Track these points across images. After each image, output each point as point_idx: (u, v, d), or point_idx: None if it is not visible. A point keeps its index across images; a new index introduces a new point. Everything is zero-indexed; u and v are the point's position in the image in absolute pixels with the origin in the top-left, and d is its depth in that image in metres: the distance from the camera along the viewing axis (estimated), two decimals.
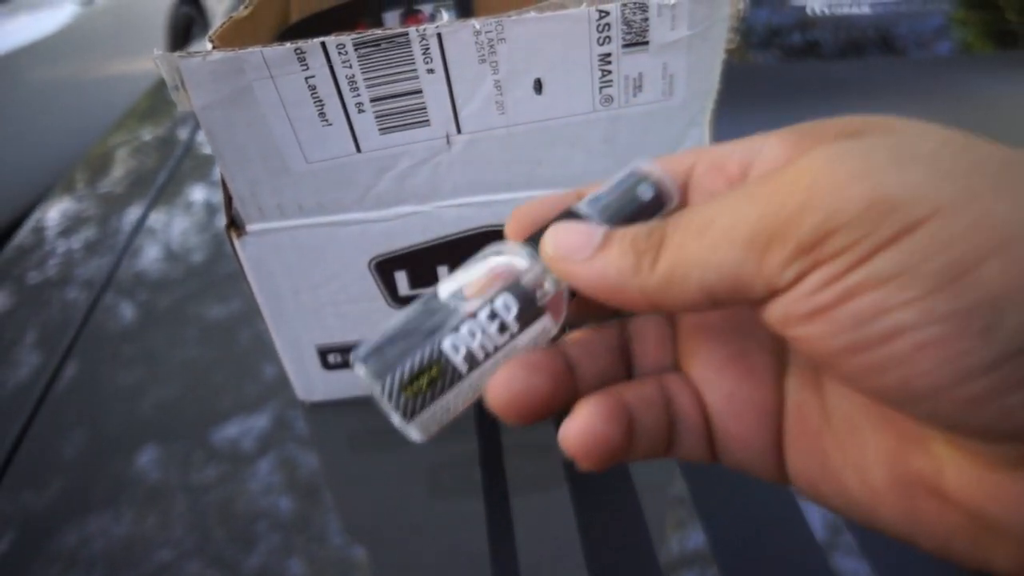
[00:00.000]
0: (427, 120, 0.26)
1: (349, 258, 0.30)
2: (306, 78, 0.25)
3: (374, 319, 0.32)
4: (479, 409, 0.34)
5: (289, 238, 0.29)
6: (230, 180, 0.27)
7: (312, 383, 0.35)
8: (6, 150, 1.36)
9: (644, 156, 0.20)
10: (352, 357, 0.18)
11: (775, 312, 0.15)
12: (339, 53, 0.24)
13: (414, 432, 0.18)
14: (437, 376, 0.17)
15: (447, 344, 0.17)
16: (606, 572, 0.28)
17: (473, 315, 0.18)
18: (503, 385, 0.18)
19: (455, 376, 0.17)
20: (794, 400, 0.19)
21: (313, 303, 0.31)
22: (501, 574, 0.28)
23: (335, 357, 0.34)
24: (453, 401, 0.18)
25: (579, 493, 0.31)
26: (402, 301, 0.32)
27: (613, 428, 0.18)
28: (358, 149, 0.27)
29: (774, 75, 0.65)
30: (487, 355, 0.18)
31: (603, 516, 0.30)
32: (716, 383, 0.19)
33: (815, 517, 0.29)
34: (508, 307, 0.18)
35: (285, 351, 0.33)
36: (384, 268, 0.31)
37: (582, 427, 0.18)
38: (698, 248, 0.15)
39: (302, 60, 0.24)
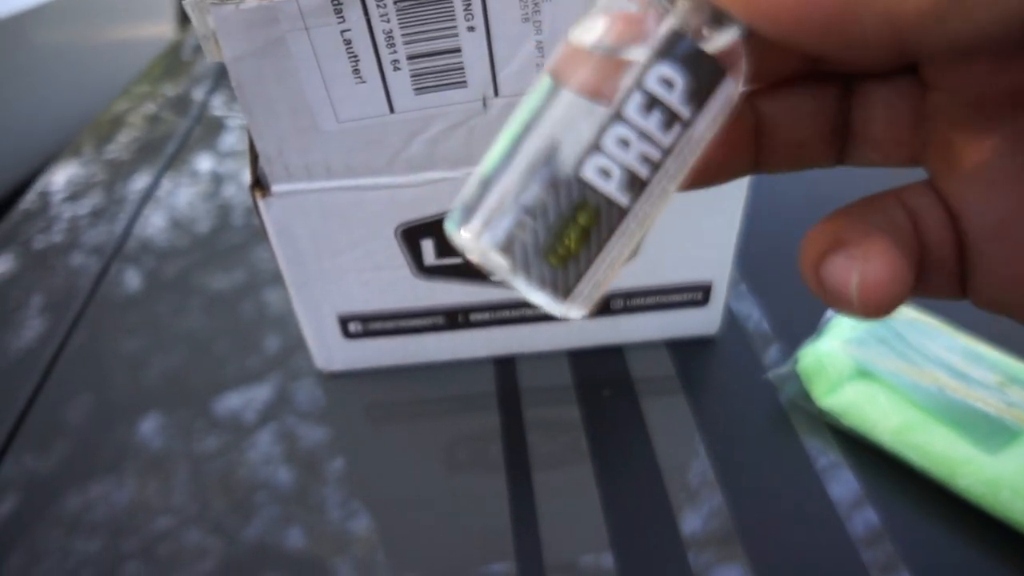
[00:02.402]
0: (464, 81, 0.25)
1: (375, 224, 0.29)
2: (342, 31, 0.24)
3: (398, 288, 0.31)
4: (501, 383, 0.34)
5: (315, 201, 0.28)
6: (257, 137, 0.26)
7: (332, 352, 0.34)
8: (12, 114, 1.34)
9: None
10: (448, 226, 0.12)
11: None
12: (378, 6, 0.23)
13: (576, 312, 0.12)
14: (590, 224, 0.11)
15: (589, 170, 0.11)
16: (630, 550, 0.28)
17: (617, 113, 0.11)
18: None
19: (616, 216, 0.12)
20: None
21: (336, 269, 0.30)
22: (524, 551, 0.28)
23: (356, 326, 0.33)
24: (618, 250, 0.12)
25: (602, 470, 0.30)
26: (427, 271, 0.31)
27: (910, 270, 0.13)
28: (391, 109, 0.26)
29: None
30: (655, 168, 0.11)
31: (626, 494, 0.29)
32: (984, 204, 0.13)
33: (839, 495, 0.29)
34: (670, 81, 0.11)
35: (305, 318, 0.32)
36: (411, 236, 0.30)
37: (888, 275, 0.13)
38: None
39: (339, 12, 0.23)
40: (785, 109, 0.15)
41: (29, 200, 0.52)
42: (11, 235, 0.48)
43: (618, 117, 0.11)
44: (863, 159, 0.15)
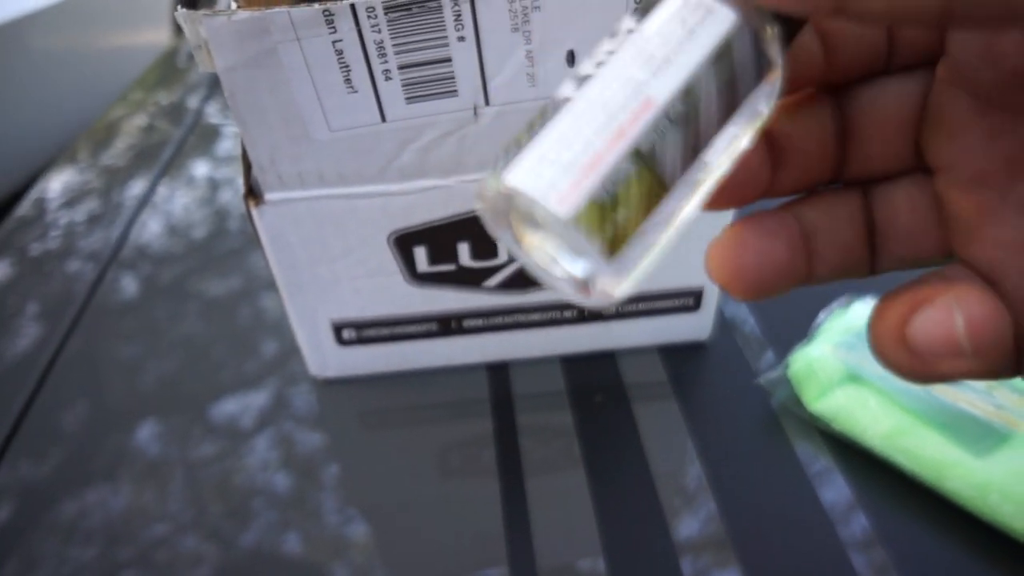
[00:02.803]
0: (455, 90, 0.26)
1: (368, 231, 0.29)
2: (333, 42, 0.24)
3: (391, 295, 0.32)
4: (494, 389, 0.34)
5: (308, 209, 0.28)
6: (250, 146, 0.26)
7: (325, 359, 0.34)
8: (9, 120, 1.34)
9: None
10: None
11: None
12: (368, 17, 0.23)
13: (520, 181, 0.11)
14: (536, 120, 0.12)
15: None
16: (622, 555, 0.28)
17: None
18: (731, 252, 0.14)
19: (561, 104, 0.12)
20: None
21: (329, 276, 0.31)
22: (517, 556, 0.28)
23: (350, 333, 0.33)
24: (571, 125, 0.12)
25: (595, 476, 0.30)
26: (420, 278, 0.31)
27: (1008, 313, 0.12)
28: (383, 118, 0.26)
29: None
30: (600, 64, 0.12)
31: (619, 499, 0.30)
32: (1015, 269, 0.13)
33: (831, 500, 0.29)
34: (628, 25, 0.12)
35: (299, 325, 0.32)
36: (403, 243, 0.30)
37: (992, 312, 0.12)
38: None
39: (330, 23, 0.23)
40: (824, 213, 0.15)
41: (25, 207, 0.52)
42: (7, 242, 0.48)
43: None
44: (895, 259, 0.15)
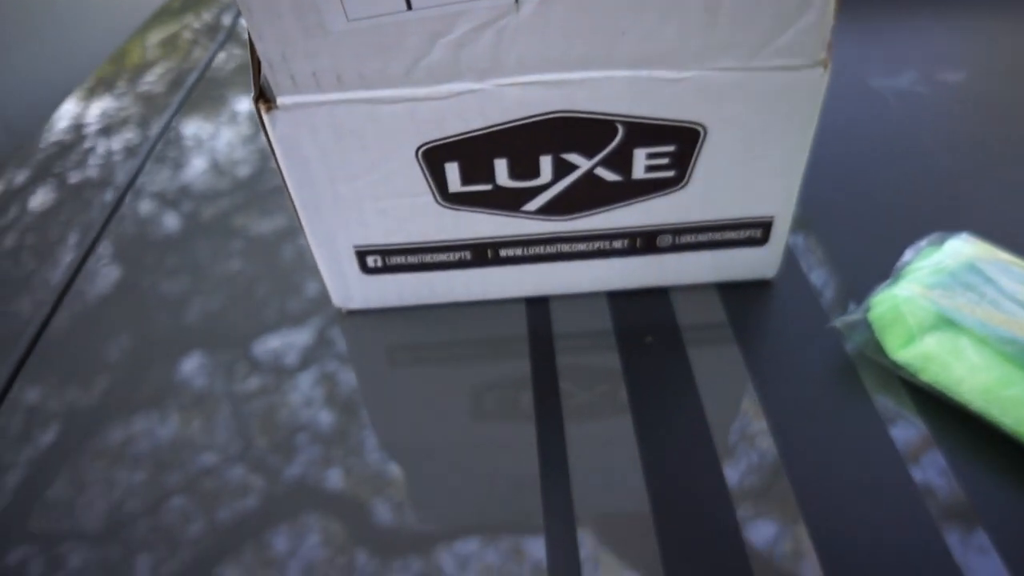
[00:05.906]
0: None
1: (394, 144, 0.26)
2: None
3: (420, 218, 0.29)
4: (532, 326, 0.31)
5: (326, 115, 0.25)
6: (258, 40, 0.23)
7: (349, 289, 0.31)
8: (35, 52, 1.35)
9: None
10: None
11: None
12: None
13: None
14: None
15: None
16: (670, 507, 0.25)
17: None
18: None
19: None
20: None
21: (352, 196, 0.28)
22: (552, 504, 0.25)
23: (375, 260, 0.30)
24: None
25: (642, 424, 0.27)
26: (452, 199, 0.28)
27: None
28: (408, 5, 0.23)
29: None
30: None
31: (670, 450, 0.27)
32: None
33: (915, 463, 0.25)
34: None
35: (320, 251, 0.30)
36: (433, 158, 0.27)
37: None
38: None
39: None
40: None
41: (60, 131, 0.51)
42: (46, 166, 0.47)
43: None
44: None
